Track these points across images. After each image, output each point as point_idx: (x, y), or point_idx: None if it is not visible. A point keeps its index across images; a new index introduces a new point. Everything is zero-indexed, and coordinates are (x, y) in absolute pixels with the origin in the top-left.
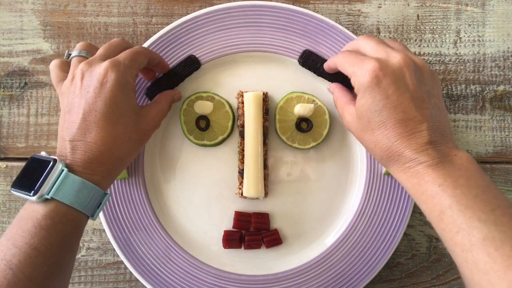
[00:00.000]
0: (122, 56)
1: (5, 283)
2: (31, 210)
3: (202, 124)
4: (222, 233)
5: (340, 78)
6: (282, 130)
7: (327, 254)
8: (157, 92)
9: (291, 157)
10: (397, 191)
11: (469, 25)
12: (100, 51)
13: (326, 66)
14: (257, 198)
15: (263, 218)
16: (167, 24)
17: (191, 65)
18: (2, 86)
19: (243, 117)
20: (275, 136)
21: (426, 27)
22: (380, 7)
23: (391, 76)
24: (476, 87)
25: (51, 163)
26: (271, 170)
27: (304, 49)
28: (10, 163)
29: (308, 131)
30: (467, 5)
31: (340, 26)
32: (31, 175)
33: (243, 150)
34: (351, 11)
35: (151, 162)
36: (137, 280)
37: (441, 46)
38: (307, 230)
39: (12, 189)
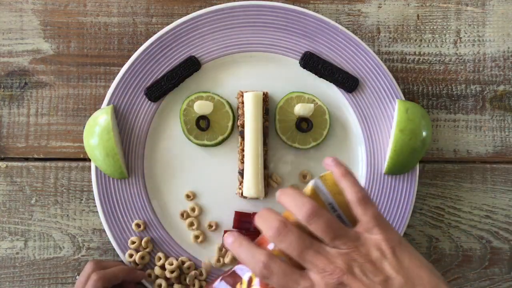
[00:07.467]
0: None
1: None
2: None
3: (202, 124)
4: (222, 233)
5: (341, 80)
6: (282, 130)
7: None
8: (157, 92)
9: (291, 157)
10: (397, 191)
11: (469, 25)
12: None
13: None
14: (257, 198)
15: None
16: (167, 24)
17: (191, 66)
18: (2, 86)
19: (243, 117)
20: (275, 136)
21: (426, 27)
22: (380, 7)
23: None
24: (476, 87)
25: None
26: (271, 170)
27: (304, 49)
28: (10, 163)
29: (308, 131)
30: (467, 5)
31: (340, 26)
32: None
33: (243, 150)
34: (351, 11)
35: (151, 162)
36: None
37: (441, 46)
38: None
39: None
